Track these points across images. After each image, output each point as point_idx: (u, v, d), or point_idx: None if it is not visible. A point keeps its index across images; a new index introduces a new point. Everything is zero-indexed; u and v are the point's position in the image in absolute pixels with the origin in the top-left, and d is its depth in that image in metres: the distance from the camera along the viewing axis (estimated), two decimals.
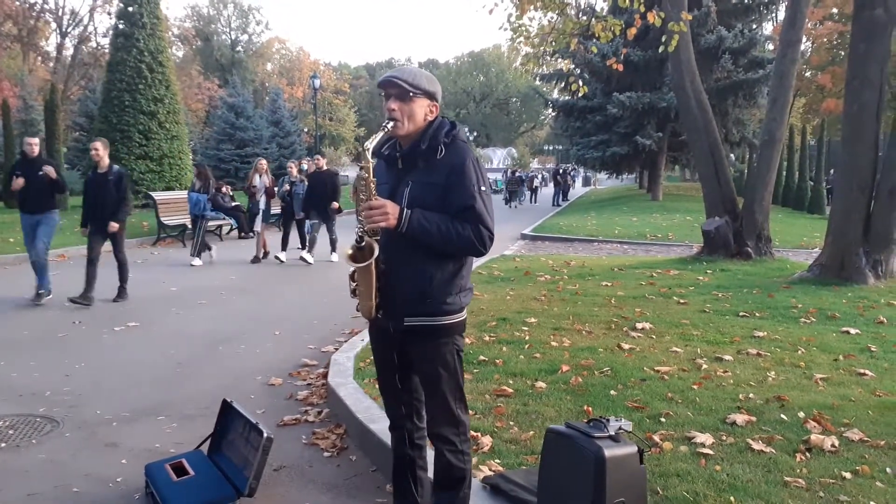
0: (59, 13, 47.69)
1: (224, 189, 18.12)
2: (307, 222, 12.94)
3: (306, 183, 12.94)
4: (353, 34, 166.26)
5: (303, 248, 12.96)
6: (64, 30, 48.00)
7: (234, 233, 17.62)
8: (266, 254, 13.16)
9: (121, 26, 22.20)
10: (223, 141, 36.05)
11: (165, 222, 15.70)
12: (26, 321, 7.65)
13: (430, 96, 2.77)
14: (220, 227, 17.18)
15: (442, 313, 2.74)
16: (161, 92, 21.98)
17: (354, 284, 2.79)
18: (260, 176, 13.39)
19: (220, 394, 4.43)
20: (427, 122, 2.77)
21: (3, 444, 4.26)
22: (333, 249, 12.97)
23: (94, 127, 25.36)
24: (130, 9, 21.96)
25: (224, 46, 67.49)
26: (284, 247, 13.06)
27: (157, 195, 16.66)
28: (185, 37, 59.57)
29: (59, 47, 49.21)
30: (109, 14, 43.49)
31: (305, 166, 14.70)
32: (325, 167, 12.96)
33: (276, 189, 13.56)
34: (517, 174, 40.63)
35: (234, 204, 17.73)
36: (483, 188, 2.71)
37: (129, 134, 21.12)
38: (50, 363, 6.03)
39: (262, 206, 13.25)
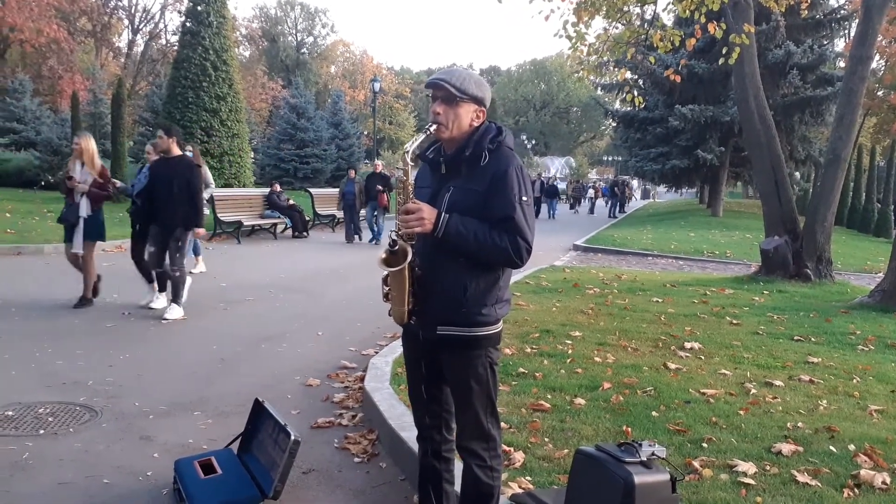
0: (132, 10, 49.08)
1: (279, 188, 18.41)
2: (147, 248, 8.12)
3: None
4: (417, 39, 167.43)
5: (161, 289, 8.14)
6: (136, 26, 49.39)
7: (289, 232, 17.87)
8: (94, 292, 8.12)
9: (188, 24, 22.68)
10: (284, 141, 36.54)
11: (222, 218, 15.94)
12: (78, 311, 7.79)
13: (478, 101, 2.70)
14: (274, 225, 17.43)
15: (476, 324, 2.66)
16: (224, 90, 22.35)
17: (387, 289, 2.74)
18: (83, 165, 7.97)
19: (258, 392, 4.43)
20: (473, 128, 2.70)
21: (42, 431, 4.32)
22: (162, 288, 8.13)
23: (157, 122, 25.96)
24: (199, 7, 22.41)
25: (289, 48, 68.61)
26: (150, 278, 8.30)
27: (215, 192, 16.88)
28: (251, 37, 60.63)
29: (131, 43, 50.65)
30: (180, 12, 44.49)
31: (188, 153, 8.98)
32: (176, 152, 7.77)
33: (117, 184, 8.75)
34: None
35: (290, 203, 18.01)
36: (525, 198, 2.63)
37: (191, 130, 21.49)
38: (95, 353, 6.13)
39: (83, 211, 7.87)
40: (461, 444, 2.80)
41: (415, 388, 2.93)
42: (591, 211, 39.46)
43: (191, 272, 9.41)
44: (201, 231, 7.94)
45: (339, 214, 19.32)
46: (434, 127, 2.66)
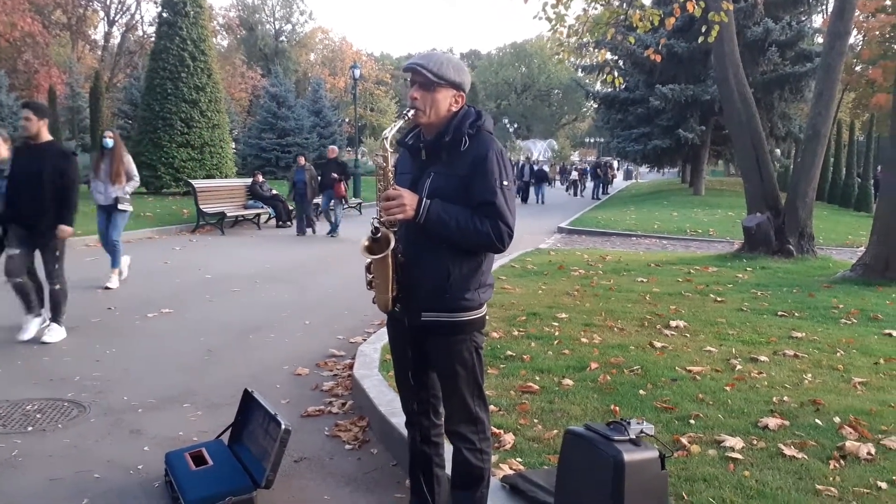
0: (108, 2, 48.36)
1: (261, 178, 18.31)
2: (7, 251, 6.32)
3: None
4: (396, 25, 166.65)
5: (39, 304, 6.56)
6: (112, 18, 48.73)
7: (272, 222, 17.79)
8: None
9: (165, 15, 22.49)
10: (265, 130, 36.38)
11: (205, 210, 15.83)
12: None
13: (456, 86, 2.69)
14: (258, 216, 17.34)
15: (460, 309, 2.67)
16: (203, 80, 22.20)
17: (371, 277, 2.73)
18: None
19: (247, 383, 4.42)
20: (452, 113, 2.69)
21: (30, 428, 4.30)
22: (41, 303, 6.55)
23: (137, 114, 25.75)
24: None
25: (268, 36, 68.00)
26: (32, 304, 6.47)
27: (197, 183, 16.79)
28: (229, 26, 60.06)
29: (107, 36, 49.92)
30: (156, 3, 43.97)
31: (108, 140, 9.02)
32: (45, 137, 6.29)
33: None
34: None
35: (272, 193, 17.93)
36: (505, 183, 2.62)
37: (170, 122, 21.36)
38: (82, 348, 6.11)
39: None
40: (450, 428, 2.82)
41: (401, 375, 2.94)
42: (576, 193, 39.57)
43: (107, 287, 8.73)
44: (68, 230, 6.28)
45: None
46: (412, 112, 2.65)
